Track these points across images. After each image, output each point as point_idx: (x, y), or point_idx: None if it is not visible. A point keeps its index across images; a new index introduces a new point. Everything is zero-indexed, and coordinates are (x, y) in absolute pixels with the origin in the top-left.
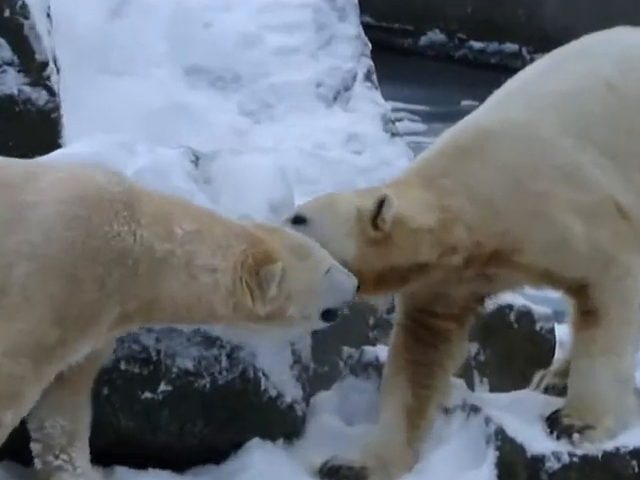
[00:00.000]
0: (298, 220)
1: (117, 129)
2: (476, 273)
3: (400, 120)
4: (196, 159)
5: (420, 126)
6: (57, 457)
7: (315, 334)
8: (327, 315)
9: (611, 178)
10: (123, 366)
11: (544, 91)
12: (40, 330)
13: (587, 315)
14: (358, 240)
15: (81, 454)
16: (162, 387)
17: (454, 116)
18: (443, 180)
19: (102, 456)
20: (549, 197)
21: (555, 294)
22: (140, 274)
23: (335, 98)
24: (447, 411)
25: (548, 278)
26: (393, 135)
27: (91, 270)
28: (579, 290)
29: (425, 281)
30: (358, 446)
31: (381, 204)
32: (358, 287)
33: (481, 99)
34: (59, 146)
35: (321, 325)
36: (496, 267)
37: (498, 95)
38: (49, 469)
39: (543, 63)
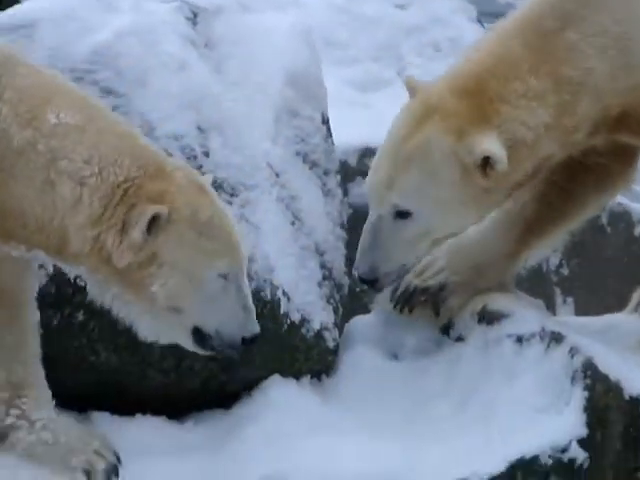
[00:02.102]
0: (402, 214)
1: None
2: (602, 139)
3: None
4: (194, 16)
5: None
6: (7, 414)
7: (352, 241)
8: (197, 335)
9: None
10: None
11: None
12: None
13: None
14: (474, 203)
15: (37, 404)
16: None
17: None
18: (566, 34)
19: (77, 399)
20: None
21: None
22: None
23: None
24: (520, 340)
25: None
26: None
27: None
28: None
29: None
30: (445, 251)
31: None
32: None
33: None
34: (17, 1)
35: (189, 344)
36: (621, 132)
37: None
38: (2, 430)
39: None
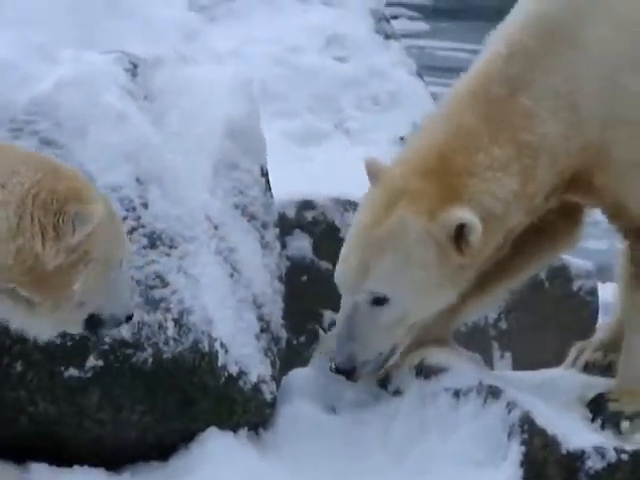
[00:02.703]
0: (379, 301)
1: (33, 27)
2: (555, 202)
3: (396, 17)
4: (134, 68)
5: (421, 25)
6: None
7: (290, 294)
8: (91, 321)
9: None
10: None
11: None
12: None
13: None
14: (451, 280)
15: None
16: (91, 362)
17: (466, 13)
18: (518, 100)
19: (14, 450)
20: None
21: (598, 244)
22: None
23: None
24: (457, 394)
25: (617, 210)
26: (387, 37)
27: None
28: None
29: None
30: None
31: (460, 229)
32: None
33: None
34: None
35: (79, 330)
36: (573, 193)
37: None
38: None
39: None
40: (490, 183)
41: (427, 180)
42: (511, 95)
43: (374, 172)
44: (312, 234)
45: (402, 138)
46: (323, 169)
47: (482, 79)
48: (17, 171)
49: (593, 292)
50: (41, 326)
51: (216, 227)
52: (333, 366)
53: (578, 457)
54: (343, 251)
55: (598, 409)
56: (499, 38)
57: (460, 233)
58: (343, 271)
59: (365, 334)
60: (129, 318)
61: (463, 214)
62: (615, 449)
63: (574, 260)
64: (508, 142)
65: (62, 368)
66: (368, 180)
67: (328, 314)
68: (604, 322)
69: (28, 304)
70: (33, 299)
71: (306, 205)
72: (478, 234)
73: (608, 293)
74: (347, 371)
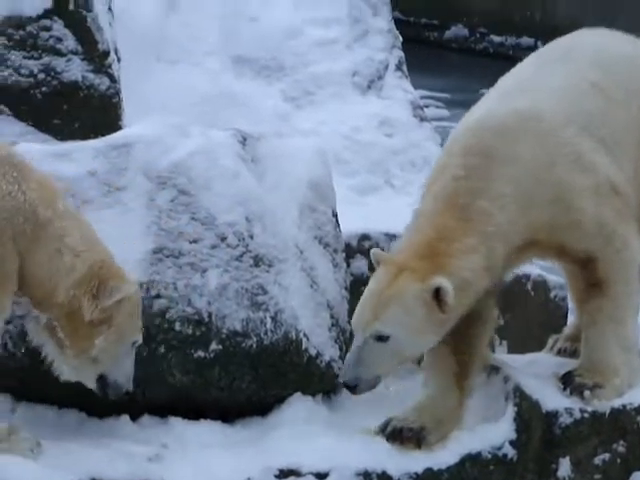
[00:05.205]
0: (382, 338)
1: (172, 113)
2: (516, 264)
3: (427, 106)
4: (244, 140)
5: (444, 112)
6: None
7: (352, 300)
8: (100, 380)
9: (606, 163)
10: (178, 327)
11: (542, 87)
12: None
13: (594, 287)
14: (434, 329)
15: None
16: (213, 346)
17: (474, 103)
18: (477, 204)
19: (159, 409)
20: (563, 184)
21: None
22: (26, 233)
23: (369, 86)
24: None
25: (562, 252)
26: (421, 120)
27: None
28: (587, 263)
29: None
30: (414, 409)
31: (437, 291)
32: None
33: None
34: (119, 128)
35: (93, 386)
36: (523, 251)
37: (494, 95)
38: None
39: (531, 63)
40: (464, 261)
41: (421, 260)
42: (473, 201)
43: (378, 259)
44: (368, 257)
45: None
46: (376, 212)
47: (452, 192)
48: (93, 248)
49: (564, 299)
50: (63, 367)
51: (301, 252)
52: (341, 381)
53: (553, 415)
54: (360, 304)
55: (568, 382)
56: (453, 162)
57: (439, 295)
58: (359, 318)
59: (369, 361)
60: (127, 393)
61: (440, 280)
62: (580, 409)
63: (551, 276)
64: (475, 233)
65: (192, 350)
66: (374, 264)
67: None
68: (571, 320)
69: (59, 343)
70: (64, 341)
71: (364, 237)
72: (450, 295)
73: None
74: (352, 386)
